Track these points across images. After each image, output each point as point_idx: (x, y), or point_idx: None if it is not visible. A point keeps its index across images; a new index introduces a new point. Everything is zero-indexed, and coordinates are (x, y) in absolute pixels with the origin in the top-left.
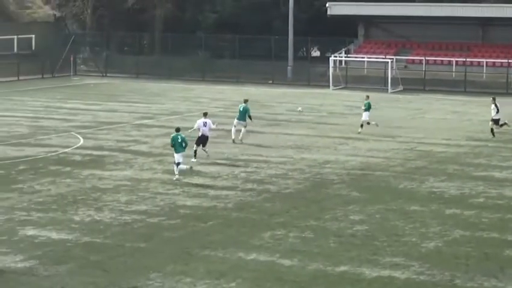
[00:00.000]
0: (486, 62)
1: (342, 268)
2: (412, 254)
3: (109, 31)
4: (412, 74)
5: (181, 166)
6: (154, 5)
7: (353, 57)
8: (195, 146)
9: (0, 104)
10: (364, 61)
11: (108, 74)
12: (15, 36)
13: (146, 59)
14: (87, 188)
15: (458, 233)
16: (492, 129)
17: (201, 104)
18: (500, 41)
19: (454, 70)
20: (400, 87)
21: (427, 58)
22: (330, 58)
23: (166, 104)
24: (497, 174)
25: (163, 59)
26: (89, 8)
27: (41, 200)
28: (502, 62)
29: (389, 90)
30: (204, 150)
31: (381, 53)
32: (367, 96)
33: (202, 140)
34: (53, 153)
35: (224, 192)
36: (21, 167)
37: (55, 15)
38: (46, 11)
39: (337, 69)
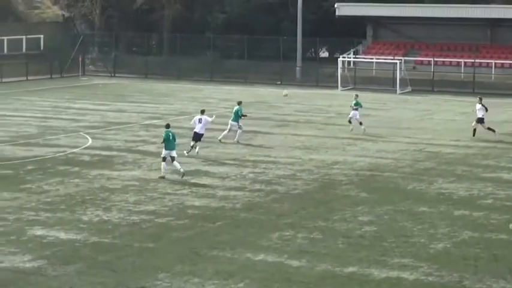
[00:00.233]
0: (495, 63)
1: (351, 269)
2: (421, 255)
3: (117, 31)
4: (420, 75)
5: (176, 163)
6: (163, 5)
7: (361, 58)
8: (192, 142)
9: (9, 104)
10: (372, 62)
11: (116, 74)
12: (24, 36)
13: (155, 59)
14: (96, 188)
15: (467, 234)
16: (475, 130)
17: (210, 104)
18: (509, 42)
19: (462, 71)
20: (409, 88)
21: (435, 59)
22: (339, 59)
23: (174, 105)
24: (505, 175)
25: (172, 59)
26: (97, 8)
27: (49, 200)
28: (510, 63)
29: (398, 91)
30: (195, 146)
31: (389, 54)
32: (356, 95)
33: (196, 137)
34: (61, 153)
35: (232, 193)
36: (29, 167)
37: (64, 15)
38: (55, 11)
39: (346, 70)
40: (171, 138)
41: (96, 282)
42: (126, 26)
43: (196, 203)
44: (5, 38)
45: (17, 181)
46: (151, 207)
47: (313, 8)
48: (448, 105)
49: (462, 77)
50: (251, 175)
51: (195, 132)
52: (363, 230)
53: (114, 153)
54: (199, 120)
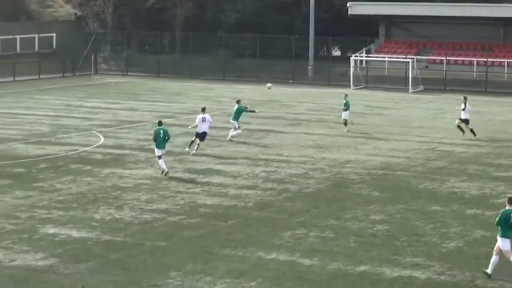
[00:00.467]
0: (507, 62)
1: (362, 268)
2: (433, 254)
3: (130, 30)
4: (433, 74)
5: (160, 161)
6: (175, 4)
7: (374, 57)
8: (194, 137)
9: (22, 102)
10: (385, 61)
11: (128, 73)
12: (37, 35)
13: (167, 58)
14: (108, 186)
15: (479, 234)
16: (459, 126)
17: (222, 103)
18: None
19: (475, 70)
20: (421, 87)
21: (448, 58)
22: (351, 58)
23: (186, 103)
24: None
25: (184, 58)
26: (109, 7)
27: (61, 198)
28: None
29: (410, 90)
30: (198, 144)
31: (401, 53)
32: (346, 95)
33: (201, 136)
34: (73, 152)
35: (244, 192)
36: (42, 166)
37: (76, 14)
38: (67, 10)
39: (358, 69)
40: (161, 136)
41: (108, 281)
42: (138, 25)
43: (208, 202)
44: (18, 36)
45: (30, 179)
46: (163, 206)
47: (325, 6)
48: (460, 104)
49: (474, 76)
50: (263, 174)
51: (201, 132)
52: (374, 228)
53: (126, 151)
54: (203, 119)
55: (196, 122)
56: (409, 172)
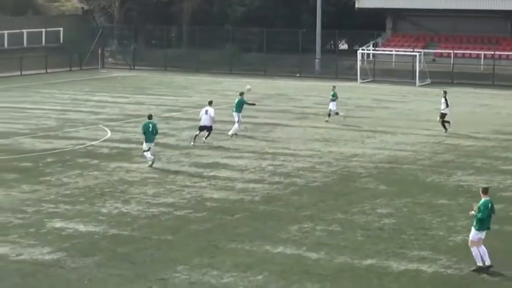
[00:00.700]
0: None
1: (369, 261)
2: (440, 248)
3: (137, 24)
4: (440, 67)
5: (147, 154)
6: None
7: (381, 50)
8: (197, 131)
9: (29, 96)
10: (392, 54)
11: (135, 67)
12: (44, 29)
13: (174, 52)
14: (115, 180)
15: None
16: (442, 123)
17: (229, 97)
18: None
19: (482, 63)
20: (428, 81)
21: (455, 51)
22: (358, 51)
23: (193, 97)
24: None
25: (191, 52)
26: (116, 1)
27: (68, 192)
28: None
29: (417, 83)
30: (197, 135)
31: (408, 46)
32: (334, 87)
33: (201, 128)
34: (80, 146)
35: (251, 185)
36: (49, 160)
37: (83, 8)
38: (74, 4)
39: (365, 62)
40: (150, 129)
41: (115, 274)
42: (145, 19)
43: (215, 196)
44: (25, 31)
45: (37, 173)
46: (170, 200)
47: (332, 0)
48: (468, 98)
49: (482, 69)
50: (270, 167)
51: (202, 125)
52: (381, 222)
53: (133, 145)
54: (206, 112)
55: (200, 114)
56: (416, 165)
